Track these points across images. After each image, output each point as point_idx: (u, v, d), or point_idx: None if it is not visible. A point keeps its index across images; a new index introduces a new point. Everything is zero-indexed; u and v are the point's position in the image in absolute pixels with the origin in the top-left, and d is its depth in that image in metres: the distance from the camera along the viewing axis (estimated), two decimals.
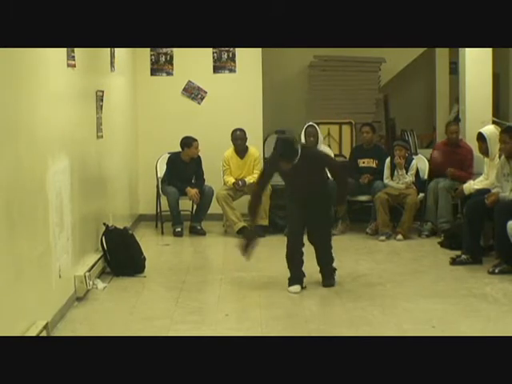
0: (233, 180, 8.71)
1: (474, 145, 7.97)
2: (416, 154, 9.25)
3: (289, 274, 6.15)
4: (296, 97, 10.50)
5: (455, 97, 10.37)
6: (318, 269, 6.26)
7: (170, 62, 9.59)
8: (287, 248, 6.20)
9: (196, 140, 8.78)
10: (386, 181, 8.48)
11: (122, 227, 6.96)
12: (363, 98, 10.18)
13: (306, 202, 6.12)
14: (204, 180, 8.84)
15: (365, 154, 8.81)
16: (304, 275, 6.16)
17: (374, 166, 8.71)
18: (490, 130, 7.31)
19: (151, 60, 9.60)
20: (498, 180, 6.87)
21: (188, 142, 8.79)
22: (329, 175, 6.46)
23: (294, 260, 6.15)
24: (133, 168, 9.31)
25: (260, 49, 9.40)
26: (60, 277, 5.27)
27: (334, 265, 6.30)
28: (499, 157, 6.94)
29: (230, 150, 8.91)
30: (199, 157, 8.88)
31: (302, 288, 6.08)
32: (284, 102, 10.53)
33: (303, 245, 6.20)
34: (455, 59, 9.93)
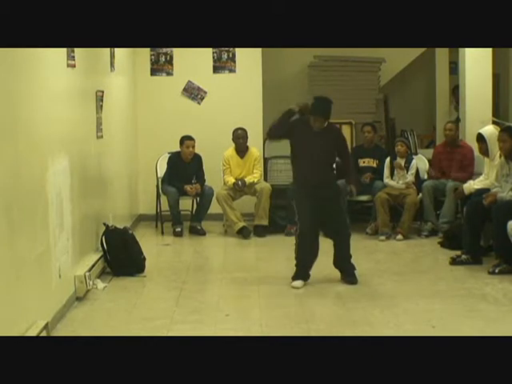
0: (233, 180, 8.70)
1: (474, 145, 7.96)
2: (416, 153, 9.25)
3: (295, 270, 6.18)
4: (296, 97, 10.45)
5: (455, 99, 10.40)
6: (334, 264, 6.31)
7: (170, 62, 9.59)
8: (297, 245, 6.19)
9: (190, 139, 8.76)
10: (386, 180, 8.48)
11: (122, 227, 6.96)
12: (363, 98, 10.16)
13: (316, 192, 6.06)
14: (204, 180, 8.82)
15: (365, 153, 8.81)
16: (309, 276, 6.20)
17: (375, 165, 8.72)
18: (490, 130, 7.30)
19: (151, 60, 9.60)
20: (498, 181, 6.87)
21: (181, 140, 8.79)
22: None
23: (304, 260, 6.17)
24: (133, 168, 9.31)
25: (260, 49, 9.40)
26: (60, 277, 5.27)
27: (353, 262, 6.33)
28: (500, 157, 6.94)
29: (230, 149, 8.90)
30: (200, 157, 8.88)
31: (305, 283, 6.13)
32: (284, 102, 10.47)
33: (317, 243, 6.17)
34: (455, 59, 9.92)
